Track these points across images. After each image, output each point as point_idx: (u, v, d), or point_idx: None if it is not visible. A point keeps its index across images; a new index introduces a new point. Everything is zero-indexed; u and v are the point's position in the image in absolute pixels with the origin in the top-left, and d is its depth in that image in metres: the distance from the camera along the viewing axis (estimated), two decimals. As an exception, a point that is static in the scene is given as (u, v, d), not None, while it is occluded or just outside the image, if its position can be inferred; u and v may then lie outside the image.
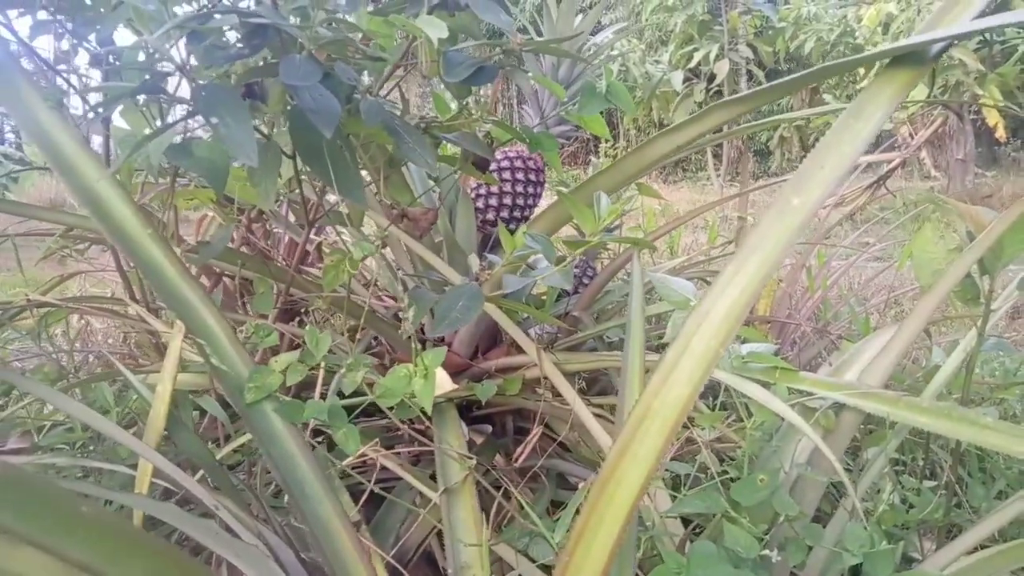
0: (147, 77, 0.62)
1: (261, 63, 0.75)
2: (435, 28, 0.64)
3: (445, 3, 0.75)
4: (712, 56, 7.32)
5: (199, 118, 0.80)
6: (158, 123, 1.05)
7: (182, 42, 0.64)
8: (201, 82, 0.64)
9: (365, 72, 0.79)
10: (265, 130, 0.76)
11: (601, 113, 0.91)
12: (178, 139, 0.71)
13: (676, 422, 0.57)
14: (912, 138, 7.75)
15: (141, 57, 0.67)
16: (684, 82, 7.22)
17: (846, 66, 0.66)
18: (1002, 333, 2.74)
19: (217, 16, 0.59)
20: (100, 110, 0.65)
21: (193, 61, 0.65)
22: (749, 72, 7.78)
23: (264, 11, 0.59)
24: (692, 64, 7.38)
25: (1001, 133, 8.08)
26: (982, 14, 0.54)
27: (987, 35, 5.50)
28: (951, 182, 8.09)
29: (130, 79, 0.66)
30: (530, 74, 0.86)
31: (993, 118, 7.70)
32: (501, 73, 0.76)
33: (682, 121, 0.89)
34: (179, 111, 1.17)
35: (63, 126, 0.70)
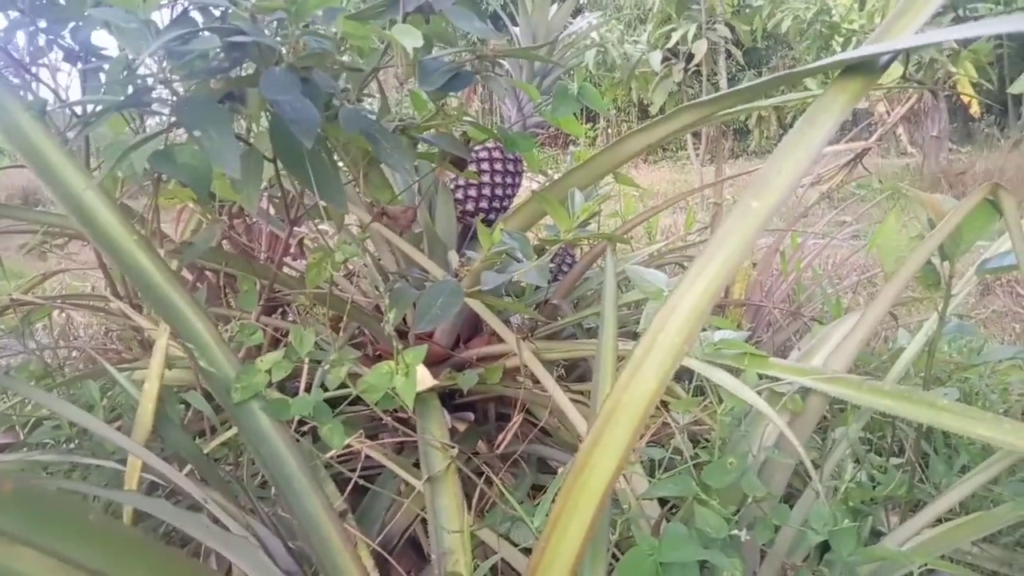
0: (131, 90, 0.64)
1: (238, 73, 0.76)
2: (410, 37, 0.66)
3: (420, 9, 0.77)
4: (690, 36, 7.32)
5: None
6: (137, 125, 1.06)
7: (160, 53, 0.65)
8: (182, 92, 0.65)
9: (343, 76, 0.81)
10: (246, 135, 0.78)
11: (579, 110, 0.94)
12: (160, 146, 0.73)
13: (644, 413, 0.60)
14: (888, 115, 7.84)
15: (123, 69, 0.69)
16: (663, 62, 7.22)
17: (803, 74, 0.68)
18: (972, 309, 2.81)
19: (203, 34, 0.60)
20: (88, 122, 0.66)
21: (172, 72, 0.66)
22: (727, 51, 7.77)
23: (245, 26, 0.61)
24: (670, 44, 7.38)
25: (975, 109, 8.19)
26: (933, 17, 0.57)
27: (960, 11, 5.55)
28: (926, 159, 8.20)
29: (113, 91, 0.68)
30: (503, 79, 0.88)
31: (967, 94, 7.79)
32: (476, 78, 0.79)
33: (652, 121, 0.91)
34: (159, 117, 1.18)
35: (46, 135, 0.71)
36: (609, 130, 13.87)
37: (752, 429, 1.01)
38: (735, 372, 1.02)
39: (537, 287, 1.68)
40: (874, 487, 1.13)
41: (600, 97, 0.85)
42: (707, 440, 1.11)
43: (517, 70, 1.53)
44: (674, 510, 1.14)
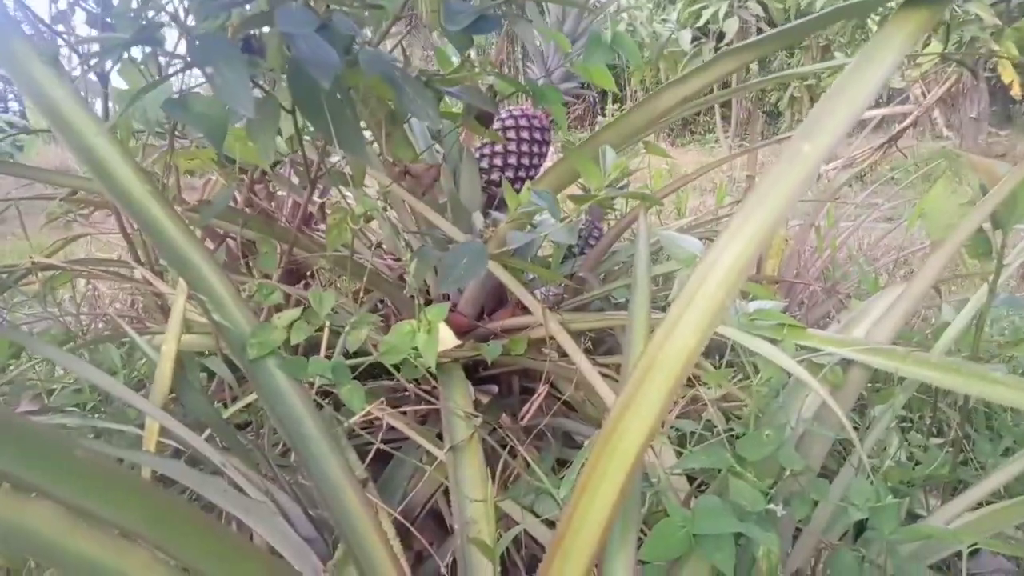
0: (141, 26, 0.61)
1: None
2: (435, -26, 0.62)
3: (444, -49, 0.72)
4: (721, 14, 7.19)
5: (199, 76, 0.79)
6: (152, 79, 1.04)
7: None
8: (192, 32, 0.62)
9: (366, 28, 0.77)
10: (266, 86, 0.75)
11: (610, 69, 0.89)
12: (175, 93, 0.70)
13: (681, 374, 0.56)
14: (925, 96, 7.63)
15: (134, 4, 0.66)
16: (692, 41, 7.10)
17: (858, 9, 0.63)
18: (1012, 293, 2.72)
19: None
20: (93, 63, 0.63)
21: (189, 15, 0.63)
22: (759, 30, 7.63)
23: (258, -43, 0.57)
24: (700, 23, 7.26)
25: (1017, 90, 7.92)
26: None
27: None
28: (963, 141, 7.97)
29: (123, 31, 0.65)
30: (533, 24, 0.83)
31: (1008, 75, 7.54)
32: (504, 24, 0.75)
33: (688, 72, 0.87)
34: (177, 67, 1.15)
35: (59, 82, 0.69)
36: (636, 112, 13.67)
37: (789, 401, 0.97)
38: (771, 343, 0.98)
39: (564, 259, 1.64)
40: (914, 467, 1.08)
41: (636, 48, 0.80)
42: (739, 416, 1.06)
43: (539, 25, 1.48)
44: (702, 488, 1.10)
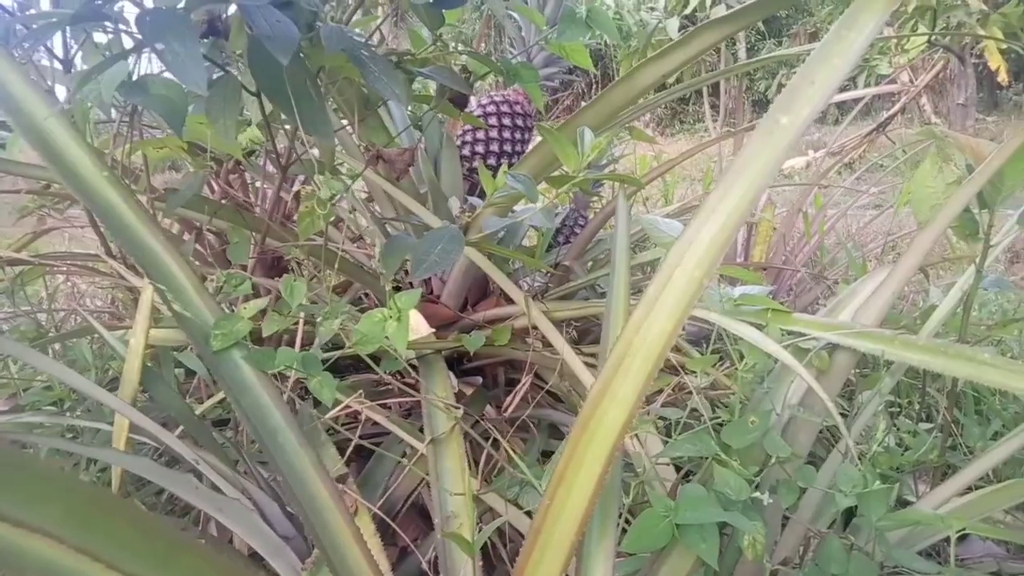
0: (87, 2, 0.58)
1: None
2: (399, -54, 0.60)
3: (413, -76, 0.70)
4: (708, 2, 7.15)
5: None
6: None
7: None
8: (141, 8, 0.59)
9: (329, 5, 0.74)
10: (232, 70, 0.72)
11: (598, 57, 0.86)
12: (132, 74, 0.67)
13: (658, 357, 0.54)
14: (912, 85, 7.62)
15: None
16: (680, 29, 7.07)
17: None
18: (1001, 275, 2.71)
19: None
20: (32, 36, 0.60)
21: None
22: (746, 19, 7.51)
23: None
24: (688, 11, 7.22)
25: (1004, 77, 7.93)
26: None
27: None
28: (951, 127, 7.97)
29: (70, 7, 0.62)
30: (508, 4, 0.81)
31: (995, 61, 7.54)
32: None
33: (667, 46, 0.84)
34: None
35: (8, 62, 0.66)
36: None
37: (775, 387, 0.95)
38: (757, 328, 0.96)
39: (549, 248, 1.61)
40: (903, 452, 1.07)
41: (612, 24, 0.78)
42: (725, 405, 1.05)
43: (527, 22, 1.45)
44: (689, 477, 1.09)
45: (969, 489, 1.02)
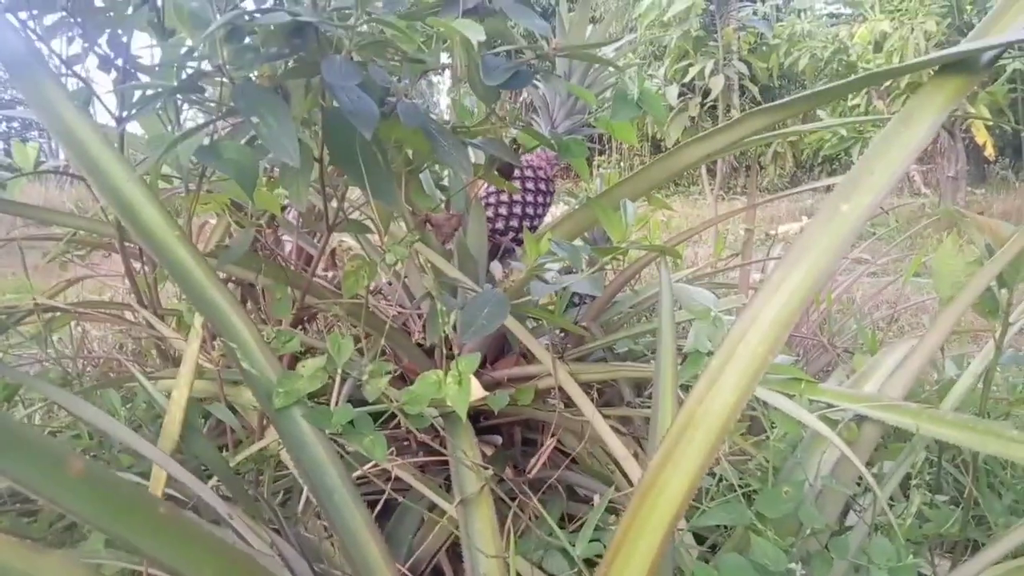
0: (184, 76, 0.61)
1: (286, 63, 0.74)
2: (473, 31, 0.63)
3: (476, 8, 0.74)
4: (707, 72, 7.38)
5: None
6: (171, 127, 1.04)
7: (218, 37, 0.62)
8: (233, 82, 0.63)
9: (395, 75, 0.78)
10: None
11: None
12: (206, 140, 0.70)
13: (721, 431, 0.56)
14: (903, 155, 7.81)
15: (177, 54, 0.66)
16: (679, 96, 7.28)
17: (890, 73, 0.65)
18: (1008, 346, 2.75)
19: (259, 16, 0.58)
20: (134, 109, 0.63)
21: (227, 60, 0.64)
22: (742, 87, 7.84)
23: (305, 11, 0.58)
24: (687, 79, 7.45)
25: (990, 151, 8.17)
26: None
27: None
28: (942, 199, 8.17)
29: (164, 78, 0.65)
30: (559, 79, 0.85)
31: (982, 136, 7.78)
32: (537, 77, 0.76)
33: (714, 129, 0.88)
34: (193, 113, 1.15)
35: (90, 126, 0.69)
36: (621, 163, 13.92)
37: (806, 457, 0.96)
38: (787, 397, 0.98)
39: (566, 308, 1.64)
40: (921, 525, 1.08)
41: (660, 103, 0.82)
42: (743, 471, 1.06)
43: (552, 91, 1.51)
44: (712, 548, 1.09)
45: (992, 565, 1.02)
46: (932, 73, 0.57)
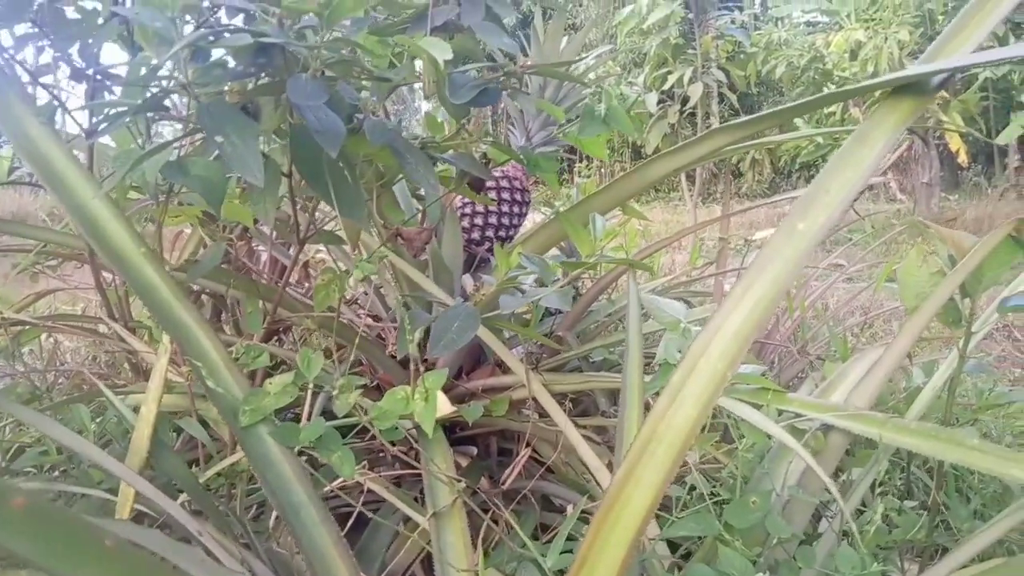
0: (149, 94, 0.61)
1: (255, 83, 0.74)
2: (440, 50, 0.64)
3: (446, 25, 0.75)
4: (686, 79, 7.45)
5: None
6: (141, 140, 1.03)
7: (182, 56, 0.62)
8: (199, 100, 0.63)
9: (364, 91, 0.79)
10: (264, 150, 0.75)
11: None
12: (173, 156, 0.70)
13: (683, 445, 0.57)
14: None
15: (142, 72, 0.66)
16: (658, 104, 7.34)
17: (853, 92, 0.67)
18: (972, 352, 2.80)
19: (226, 35, 0.58)
20: (99, 127, 0.63)
21: (193, 78, 0.64)
22: (721, 95, 7.93)
23: (271, 30, 0.58)
24: (666, 87, 7.52)
25: (964, 158, 8.33)
26: (979, 48, 0.56)
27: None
28: (917, 205, 8.30)
29: (130, 95, 0.65)
30: (529, 96, 0.86)
31: (955, 144, 7.93)
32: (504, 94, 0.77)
33: (682, 144, 0.90)
34: (162, 128, 1.15)
35: (55, 142, 0.68)
36: (602, 170, 14.00)
37: (773, 467, 0.98)
38: (755, 407, 0.99)
39: (542, 318, 1.64)
40: (890, 531, 1.09)
41: (629, 121, 0.83)
42: (716, 479, 1.07)
43: (535, 97, 1.52)
44: (685, 555, 1.09)
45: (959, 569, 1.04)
46: (885, 94, 0.58)
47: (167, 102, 0.72)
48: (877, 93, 0.61)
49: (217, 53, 0.70)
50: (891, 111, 0.57)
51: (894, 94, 0.58)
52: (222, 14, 0.78)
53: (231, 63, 0.69)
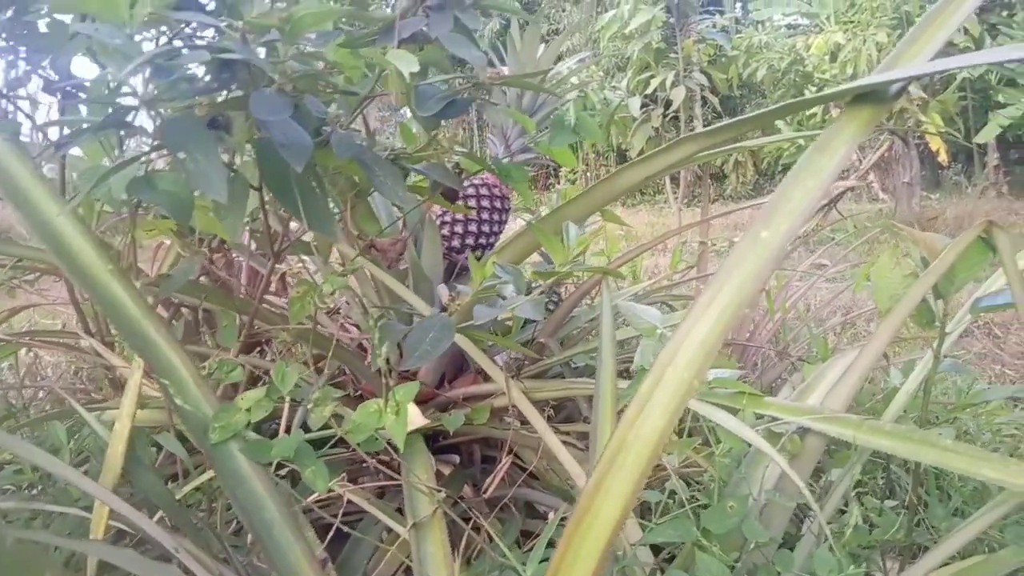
0: (111, 111, 0.61)
1: (226, 95, 0.74)
2: (406, 62, 0.64)
3: (414, 36, 0.75)
4: (668, 83, 7.49)
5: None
6: (115, 152, 1.03)
7: (145, 73, 0.62)
8: (164, 115, 0.62)
9: (333, 104, 0.78)
10: (229, 160, 0.75)
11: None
12: (140, 172, 0.69)
13: (652, 455, 0.57)
14: (861, 162, 8.01)
15: (104, 90, 0.66)
16: (641, 108, 7.36)
17: (810, 103, 0.67)
18: (951, 351, 2.82)
19: (186, 52, 0.58)
20: (62, 144, 0.63)
21: (154, 92, 0.63)
22: (703, 98, 7.95)
23: (234, 46, 0.58)
24: (649, 90, 7.55)
25: (944, 157, 8.41)
26: (939, 54, 0.56)
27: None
28: (898, 204, 8.37)
29: (93, 112, 0.65)
30: (499, 107, 0.86)
31: (935, 143, 8.02)
32: (472, 106, 0.77)
33: (651, 152, 0.90)
34: (135, 141, 1.14)
35: (20, 158, 0.68)
36: (588, 173, 14.04)
37: (750, 471, 0.98)
38: (731, 412, 0.99)
39: (524, 325, 1.64)
40: (871, 531, 1.10)
41: (597, 129, 0.84)
42: (698, 482, 1.07)
43: (505, 108, 1.52)
44: (668, 558, 1.10)
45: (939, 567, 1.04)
46: (845, 104, 0.59)
47: (136, 117, 0.72)
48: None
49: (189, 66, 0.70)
50: (850, 120, 0.58)
51: (853, 103, 0.59)
52: (192, 27, 0.78)
53: (200, 76, 0.69)
